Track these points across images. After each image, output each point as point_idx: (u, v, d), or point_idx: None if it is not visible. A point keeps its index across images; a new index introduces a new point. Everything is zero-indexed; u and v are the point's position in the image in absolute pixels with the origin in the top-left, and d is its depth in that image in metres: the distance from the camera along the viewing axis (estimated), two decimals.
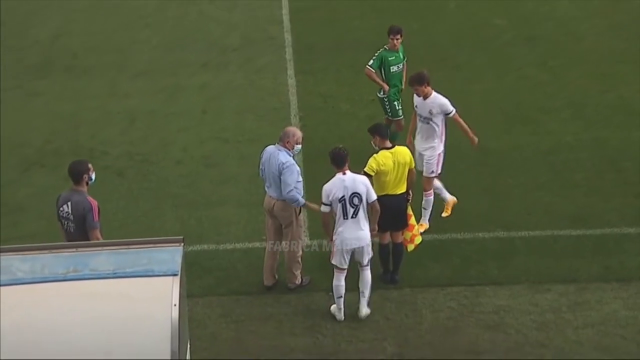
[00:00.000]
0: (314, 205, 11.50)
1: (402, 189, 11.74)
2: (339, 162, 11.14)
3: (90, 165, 10.75)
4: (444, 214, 13.06)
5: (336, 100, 16.61)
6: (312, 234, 12.77)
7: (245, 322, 11.34)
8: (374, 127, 11.96)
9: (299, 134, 11.73)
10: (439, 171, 12.90)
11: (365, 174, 11.45)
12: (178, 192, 14.04)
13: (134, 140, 15.54)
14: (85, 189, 10.65)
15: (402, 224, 11.80)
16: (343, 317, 11.37)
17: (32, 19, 20.19)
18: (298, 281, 11.87)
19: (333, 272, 11.29)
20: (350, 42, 18.13)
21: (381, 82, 14.42)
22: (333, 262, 11.28)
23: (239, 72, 17.94)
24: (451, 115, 12.72)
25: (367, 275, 11.28)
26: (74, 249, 9.19)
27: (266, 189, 11.72)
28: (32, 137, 15.55)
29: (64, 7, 20.80)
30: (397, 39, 14.31)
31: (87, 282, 8.65)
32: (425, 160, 12.77)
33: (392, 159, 11.59)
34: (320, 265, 12.20)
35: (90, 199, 10.61)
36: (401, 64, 14.52)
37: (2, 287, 8.56)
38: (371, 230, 11.21)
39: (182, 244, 9.13)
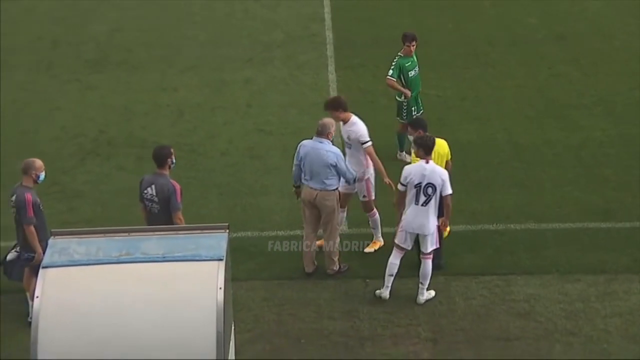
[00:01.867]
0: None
1: None
2: (426, 150, 11.08)
3: (172, 150, 10.93)
4: (366, 249, 12.29)
5: (374, 95, 16.52)
6: (351, 223, 12.75)
7: (286, 305, 11.36)
8: (416, 121, 11.85)
9: (335, 124, 11.77)
10: (373, 197, 12.14)
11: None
12: (223, 181, 14.08)
13: (182, 131, 15.58)
14: (168, 172, 10.84)
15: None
16: (388, 296, 11.33)
17: (89, 16, 20.30)
18: (336, 267, 11.85)
19: (392, 250, 11.29)
20: (389, 39, 17.96)
21: (403, 89, 14.27)
22: (396, 240, 11.27)
23: (282, 67, 17.91)
24: (365, 146, 11.84)
25: (427, 265, 11.22)
26: (126, 234, 9.25)
27: (305, 182, 11.61)
28: (88, 127, 15.65)
29: (119, 5, 20.88)
30: (412, 46, 14.15)
31: (138, 265, 8.74)
32: (357, 186, 12.07)
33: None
34: (359, 253, 12.21)
35: (173, 182, 10.81)
36: (417, 68, 14.38)
37: (60, 268, 8.68)
38: (443, 224, 11.22)
39: (227, 231, 9.19)
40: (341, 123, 12.08)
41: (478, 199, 13.30)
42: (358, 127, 11.95)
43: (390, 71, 14.22)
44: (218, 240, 8.99)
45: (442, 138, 11.83)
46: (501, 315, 11.17)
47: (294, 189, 11.93)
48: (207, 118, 16.08)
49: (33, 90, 16.96)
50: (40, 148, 14.72)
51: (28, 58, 18.14)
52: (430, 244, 11.17)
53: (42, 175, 10.84)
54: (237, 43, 18.98)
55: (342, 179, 11.59)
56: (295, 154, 11.72)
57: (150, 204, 10.81)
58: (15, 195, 10.65)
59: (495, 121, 15.73)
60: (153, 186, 10.78)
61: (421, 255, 11.26)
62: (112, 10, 20.57)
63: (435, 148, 11.43)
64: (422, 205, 11.00)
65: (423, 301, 11.32)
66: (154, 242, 9.02)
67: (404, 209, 11.18)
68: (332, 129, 11.60)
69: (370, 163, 11.99)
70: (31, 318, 9.60)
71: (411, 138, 11.98)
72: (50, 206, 12.42)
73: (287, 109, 16.35)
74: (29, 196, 10.57)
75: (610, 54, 18.22)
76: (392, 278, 11.30)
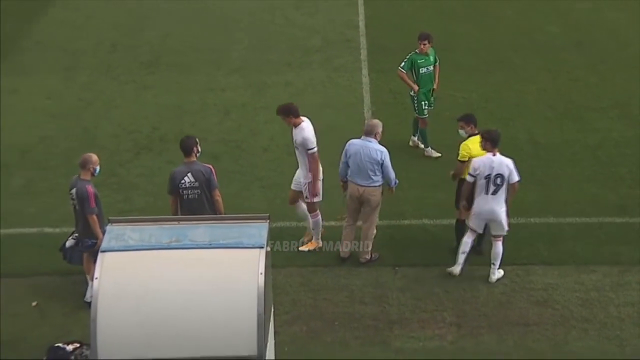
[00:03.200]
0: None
1: None
2: (494, 142, 11.11)
3: (197, 140, 11.01)
4: (301, 248, 12.00)
5: (404, 97, 16.27)
6: (381, 216, 12.67)
7: (321, 291, 11.35)
8: (468, 116, 11.80)
9: (382, 124, 11.69)
10: (314, 200, 11.77)
11: (460, 161, 11.43)
12: (265, 175, 14.08)
13: (228, 129, 15.61)
14: (195, 159, 10.91)
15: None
16: (459, 272, 11.38)
17: (144, 22, 20.43)
18: (369, 256, 11.82)
19: (466, 231, 11.41)
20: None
21: (411, 83, 14.27)
22: (470, 224, 11.35)
23: (320, 70, 17.89)
24: (310, 152, 11.57)
25: (498, 247, 11.32)
26: (176, 222, 9.32)
27: (350, 178, 11.52)
28: (142, 124, 15.72)
29: (172, 12, 20.99)
30: (424, 44, 14.19)
31: (186, 251, 8.78)
32: (302, 187, 11.87)
33: (479, 144, 11.40)
34: (389, 243, 12.17)
35: (206, 164, 10.92)
36: (431, 66, 14.35)
37: (116, 252, 8.75)
38: (506, 202, 11.23)
39: (268, 221, 9.18)
40: (292, 127, 11.86)
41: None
42: (305, 133, 11.67)
43: (402, 63, 14.28)
44: (259, 230, 8.99)
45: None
46: (521, 303, 11.09)
47: (341, 183, 11.84)
48: (251, 117, 16.09)
49: (94, 90, 17.09)
50: (100, 143, 14.86)
51: (90, 61, 18.30)
52: (501, 228, 11.24)
53: (98, 169, 10.90)
54: (278, 48, 18.98)
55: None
56: (343, 152, 11.63)
57: (189, 191, 10.84)
58: (75, 189, 10.70)
59: (517, 122, 15.60)
60: (189, 174, 10.83)
61: (492, 238, 11.35)
62: (165, 17, 20.69)
63: (478, 144, 11.39)
64: (492, 194, 11.05)
65: (495, 280, 11.37)
66: (201, 230, 9.05)
67: (466, 198, 11.23)
68: (379, 129, 11.54)
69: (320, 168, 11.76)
70: (89, 298, 9.73)
71: (462, 132, 11.82)
72: (107, 196, 12.53)
73: (324, 108, 16.29)
74: (90, 188, 10.64)
75: (626, 60, 18.00)
76: (464, 255, 11.34)
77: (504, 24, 20.06)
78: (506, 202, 11.18)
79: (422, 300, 11.14)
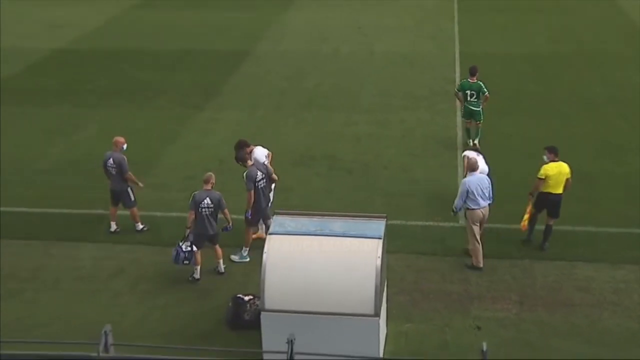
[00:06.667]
0: None
1: (560, 190, 11.16)
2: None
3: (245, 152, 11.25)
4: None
5: (483, 133, 15.89)
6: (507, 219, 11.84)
7: (421, 272, 11.11)
8: (549, 147, 11.35)
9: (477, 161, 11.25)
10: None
11: (538, 178, 11.05)
12: (384, 186, 13.87)
13: (358, 152, 15.48)
14: (252, 162, 11.17)
15: (557, 213, 11.27)
16: None
17: (302, 75, 20.60)
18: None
19: None
20: (498, 95, 17.31)
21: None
22: None
23: (426, 113, 17.51)
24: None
25: None
26: (320, 216, 9.30)
27: (474, 206, 10.71)
28: (298, 147, 15.73)
29: (321, 67, 21.09)
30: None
31: (327, 238, 8.80)
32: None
33: (556, 169, 11.03)
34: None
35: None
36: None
37: (279, 235, 8.86)
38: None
39: (385, 219, 9.08)
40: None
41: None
42: (256, 155, 11.57)
43: (486, 89, 14.36)
44: (379, 225, 8.92)
45: (565, 162, 11.39)
46: (567, 289, 10.58)
47: (452, 212, 11.36)
48: (375, 144, 15.93)
49: (267, 122, 17.29)
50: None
51: (265, 102, 18.57)
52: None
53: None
54: (396, 95, 18.74)
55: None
56: (464, 189, 10.83)
57: (261, 182, 10.98)
58: (209, 197, 10.65)
59: (568, 156, 14.19)
60: (259, 171, 11.01)
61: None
62: (317, 72, 20.81)
63: (559, 168, 11.01)
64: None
65: None
66: (337, 223, 9.04)
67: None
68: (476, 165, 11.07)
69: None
70: (192, 277, 10.33)
71: (545, 158, 11.28)
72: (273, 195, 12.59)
73: (428, 140, 15.96)
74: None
75: None
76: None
77: (560, 84, 19.14)
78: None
79: (494, 283, 10.77)
